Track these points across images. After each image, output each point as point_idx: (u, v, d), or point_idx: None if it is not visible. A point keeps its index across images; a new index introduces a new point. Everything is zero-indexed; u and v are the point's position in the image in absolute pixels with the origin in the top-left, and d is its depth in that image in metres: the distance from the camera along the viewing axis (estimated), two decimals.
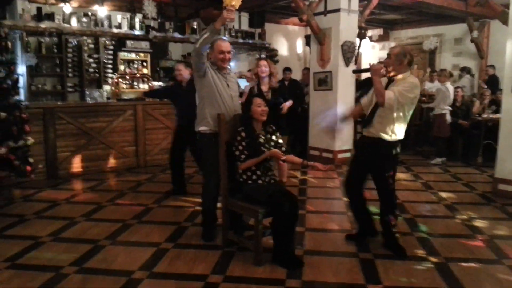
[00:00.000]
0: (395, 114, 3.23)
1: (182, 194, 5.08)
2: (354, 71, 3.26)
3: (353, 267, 3.17)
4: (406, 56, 3.26)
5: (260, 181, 3.32)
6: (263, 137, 3.37)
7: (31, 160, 5.11)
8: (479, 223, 4.11)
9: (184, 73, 4.75)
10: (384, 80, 3.32)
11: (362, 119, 3.62)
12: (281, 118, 4.67)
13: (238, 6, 3.15)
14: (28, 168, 5.01)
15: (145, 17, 6.46)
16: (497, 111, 7.37)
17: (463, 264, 3.22)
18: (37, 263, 3.23)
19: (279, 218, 3.10)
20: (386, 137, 3.28)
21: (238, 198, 3.38)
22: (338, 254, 3.40)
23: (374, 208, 3.66)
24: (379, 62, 3.42)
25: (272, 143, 3.39)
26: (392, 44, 11.93)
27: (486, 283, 2.96)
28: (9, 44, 5.10)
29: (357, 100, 7.75)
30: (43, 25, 5.89)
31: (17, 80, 5.13)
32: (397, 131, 3.30)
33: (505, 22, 5.78)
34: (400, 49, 3.33)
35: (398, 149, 3.38)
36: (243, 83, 5.95)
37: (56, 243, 3.61)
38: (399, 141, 3.35)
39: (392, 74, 3.27)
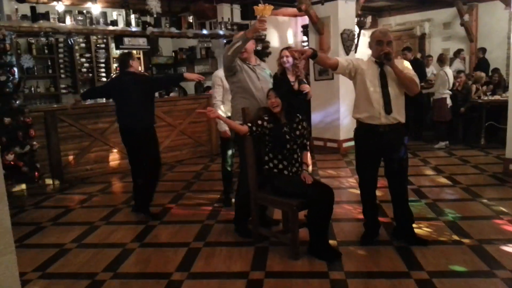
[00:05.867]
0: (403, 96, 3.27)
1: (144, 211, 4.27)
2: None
3: (391, 255, 3.16)
4: None
5: (285, 172, 3.27)
6: (287, 126, 3.32)
7: (37, 165, 4.97)
8: (499, 204, 4.16)
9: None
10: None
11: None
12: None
13: (269, 15, 3.07)
14: (36, 173, 4.87)
15: (149, 12, 6.28)
16: (494, 92, 7.51)
17: (497, 245, 3.24)
18: (68, 271, 3.12)
19: (317, 210, 3.06)
20: (403, 120, 3.27)
21: (267, 192, 3.34)
22: (372, 243, 3.38)
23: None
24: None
25: (298, 132, 3.34)
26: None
27: None
28: (7, 46, 4.88)
29: None
30: (37, 25, 5.66)
31: (18, 84, 4.94)
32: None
33: (507, 3, 5.82)
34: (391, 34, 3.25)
35: None
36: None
37: (82, 249, 3.50)
38: None
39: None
